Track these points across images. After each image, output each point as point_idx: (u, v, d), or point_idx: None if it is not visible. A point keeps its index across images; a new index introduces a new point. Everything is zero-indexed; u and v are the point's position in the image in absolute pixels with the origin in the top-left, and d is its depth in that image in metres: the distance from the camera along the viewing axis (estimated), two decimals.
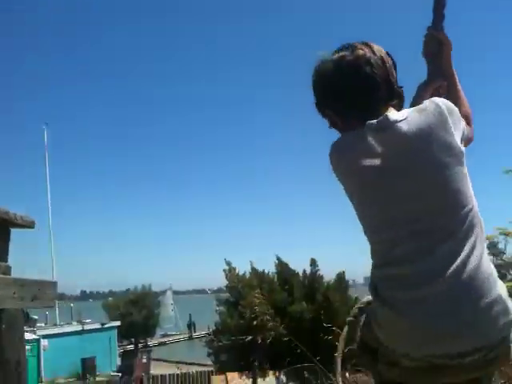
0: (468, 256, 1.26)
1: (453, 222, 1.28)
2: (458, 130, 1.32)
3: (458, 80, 1.59)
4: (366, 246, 1.37)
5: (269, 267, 10.63)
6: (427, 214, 1.28)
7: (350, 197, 1.40)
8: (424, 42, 1.57)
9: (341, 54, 1.38)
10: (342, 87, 1.37)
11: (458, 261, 1.24)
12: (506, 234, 4.67)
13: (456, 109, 1.36)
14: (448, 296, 1.24)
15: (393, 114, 1.35)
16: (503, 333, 1.27)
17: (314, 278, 9.89)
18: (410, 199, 1.29)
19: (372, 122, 1.32)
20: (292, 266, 10.50)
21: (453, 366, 1.29)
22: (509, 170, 4.63)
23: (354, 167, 1.34)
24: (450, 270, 1.23)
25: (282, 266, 10.38)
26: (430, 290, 1.24)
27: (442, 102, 1.35)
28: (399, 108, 1.40)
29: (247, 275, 10.48)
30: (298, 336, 7.66)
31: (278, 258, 10.57)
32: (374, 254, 1.36)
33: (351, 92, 1.36)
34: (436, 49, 1.55)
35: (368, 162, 1.30)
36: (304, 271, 10.21)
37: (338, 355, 1.75)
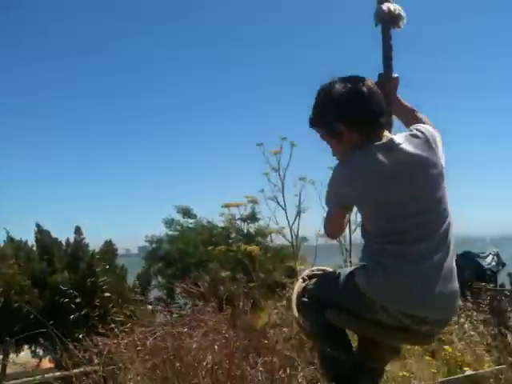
0: (449, 246, 1.73)
1: (440, 219, 1.74)
2: (440, 149, 1.79)
3: (404, 101, 2.13)
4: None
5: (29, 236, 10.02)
6: (425, 212, 1.72)
7: (364, 200, 1.78)
8: (377, 83, 1.90)
9: (366, 81, 1.78)
10: (370, 108, 1.75)
11: (445, 249, 1.72)
12: (253, 202, 5.44)
13: (436, 132, 1.83)
14: (436, 272, 1.68)
15: (396, 137, 1.77)
16: (455, 314, 1.84)
17: (78, 247, 9.58)
18: (414, 201, 1.71)
19: (380, 143, 1.73)
20: (55, 234, 10.04)
21: (412, 330, 1.72)
22: (260, 143, 5.37)
23: (371, 179, 1.71)
24: (440, 254, 1.70)
25: (42, 234, 9.78)
26: (424, 264, 1.67)
27: (425, 129, 1.82)
28: (388, 131, 1.87)
29: (0, 244, 9.69)
30: (59, 307, 7.46)
31: (38, 226, 9.91)
32: (385, 238, 1.74)
33: (374, 114, 1.75)
34: (386, 88, 1.98)
35: (383, 174, 1.70)
36: (67, 240, 9.82)
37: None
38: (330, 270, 2.12)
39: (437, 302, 1.70)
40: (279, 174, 5.07)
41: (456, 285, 1.75)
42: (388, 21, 2.10)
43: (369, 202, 1.78)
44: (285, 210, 5.06)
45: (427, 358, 4.42)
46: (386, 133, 1.82)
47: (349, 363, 1.86)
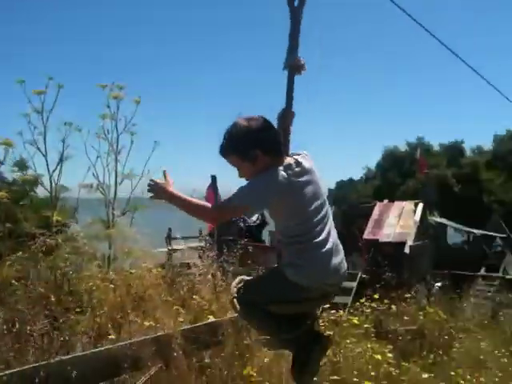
0: (333, 227, 2.39)
1: (328, 210, 2.38)
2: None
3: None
4: None
5: None
6: (322, 207, 2.34)
7: (281, 199, 2.27)
8: (281, 116, 2.64)
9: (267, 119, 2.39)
10: (279, 138, 2.39)
11: (333, 230, 2.37)
12: (7, 145, 4.72)
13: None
14: (333, 249, 2.31)
15: (299, 158, 2.34)
16: (345, 275, 2.46)
17: None
18: (316, 200, 2.31)
19: (287, 163, 2.28)
20: None
21: (327, 294, 2.45)
22: (21, 80, 4.73)
23: (287, 186, 2.23)
24: (332, 235, 2.34)
25: None
26: (326, 247, 2.28)
27: (307, 151, 2.46)
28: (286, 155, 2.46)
29: None
30: None
31: None
32: (296, 237, 2.30)
33: (280, 142, 2.37)
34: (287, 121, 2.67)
35: (295, 182, 2.25)
36: None
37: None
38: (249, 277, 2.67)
39: (338, 270, 2.37)
40: (42, 117, 4.59)
41: (342, 254, 2.42)
42: (293, 68, 2.70)
43: (283, 209, 2.32)
44: (45, 156, 4.63)
45: (176, 307, 4.69)
46: (287, 156, 2.41)
47: (293, 334, 2.46)
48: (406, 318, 7.10)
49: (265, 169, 2.26)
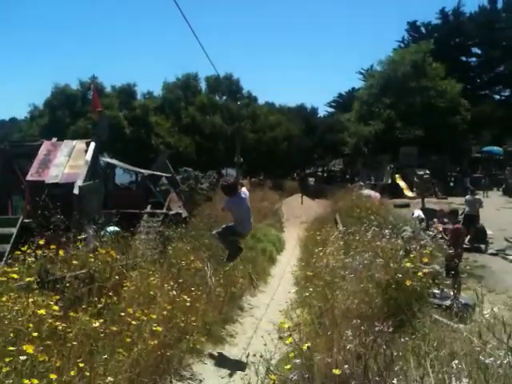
0: (250, 213, 7.91)
1: (249, 209, 7.84)
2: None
3: None
4: None
5: None
6: (248, 210, 7.77)
7: (231, 206, 7.61)
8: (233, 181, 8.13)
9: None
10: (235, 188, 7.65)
11: (250, 215, 7.89)
12: None
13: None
14: (249, 223, 7.83)
15: (241, 192, 7.72)
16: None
17: None
18: (247, 207, 7.68)
19: (237, 194, 7.64)
20: None
21: (244, 234, 8.15)
22: None
23: (235, 203, 7.52)
24: (250, 217, 7.85)
25: None
26: (248, 221, 7.78)
27: (246, 189, 8.11)
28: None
29: None
30: None
31: None
32: (238, 220, 7.58)
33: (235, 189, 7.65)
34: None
35: (238, 202, 7.52)
36: None
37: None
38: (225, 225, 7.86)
39: (249, 228, 8.06)
40: None
41: (251, 223, 8.11)
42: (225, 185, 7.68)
43: (234, 210, 7.59)
44: None
45: None
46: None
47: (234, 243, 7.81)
48: (75, 262, 6.56)
49: (230, 197, 7.51)
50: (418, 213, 16.06)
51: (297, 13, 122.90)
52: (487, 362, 2.76)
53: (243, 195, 7.59)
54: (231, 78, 40.69)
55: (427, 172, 29.37)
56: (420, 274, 6.58)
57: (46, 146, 14.67)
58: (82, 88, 34.56)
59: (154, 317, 5.56)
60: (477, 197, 18.63)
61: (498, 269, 13.20)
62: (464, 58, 52.37)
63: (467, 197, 17.39)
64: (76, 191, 12.23)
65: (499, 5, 49.88)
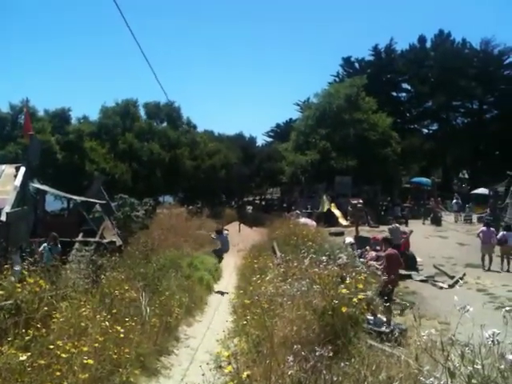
0: None
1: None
2: None
3: None
4: None
5: None
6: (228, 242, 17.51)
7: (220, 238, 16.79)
8: None
9: None
10: None
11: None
12: None
13: None
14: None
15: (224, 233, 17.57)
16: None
17: None
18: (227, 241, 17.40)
19: None
20: None
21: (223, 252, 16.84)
22: None
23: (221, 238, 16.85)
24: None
25: None
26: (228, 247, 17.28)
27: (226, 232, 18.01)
28: None
29: None
30: None
31: None
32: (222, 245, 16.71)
33: None
34: None
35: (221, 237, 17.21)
36: None
37: None
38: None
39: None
40: None
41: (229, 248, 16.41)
42: None
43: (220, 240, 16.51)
44: None
45: None
46: None
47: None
48: (1, 292, 6.17)
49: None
50: (350, 240, 16.62)
51: (235, 45, 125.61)
52: (428, 382, 2.84)
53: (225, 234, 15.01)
54: (172, 105, 40.49)
55: (360, 201, 30.37)
56: (355, 300, 6.72)
57: None
58: (12, 111, 33.11)
59: (85, 349, 5.31)
60: (398, 225, 19.55)
61: (428, 295, 13.73)
62: (395, 93, 55.49)
63: (392, 225, 18.37)
64: (3, 218, 11.60)
65: (428, 44, 53.61)
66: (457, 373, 2.76)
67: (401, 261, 11.40)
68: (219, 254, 16.91)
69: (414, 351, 4.11)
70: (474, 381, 2.68)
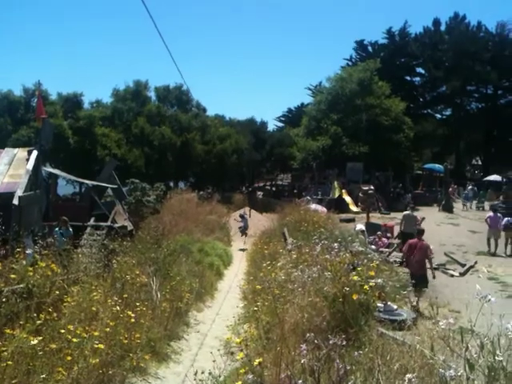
0: None
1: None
2: None
3: None
4: None
5: None
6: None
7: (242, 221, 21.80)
8: None
9: None
10: None
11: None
12: None
13: None
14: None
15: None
16: None
17: None
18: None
19: None
20: None
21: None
22: None
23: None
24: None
25: None
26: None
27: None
28: None
29: None
30: None
31: None
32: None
33: None
34: None
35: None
36: None
37: None
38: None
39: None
40: None
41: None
42: None
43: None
44: None
45: None
46: None
47: None
48: (13, 276, 6.19)
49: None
50: (360, 226, 16.46)
51: (248, 29, 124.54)
52: (447, 374, 2.74)
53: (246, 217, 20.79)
54: (181, 89, 40.27)
55: (371, 188, 30.15)
56: (366, 287, 6.66)
57: None
58: (25, 95, 33.16)
59: (96, 334, 5.32)
60: (415, 214, 18.89)
61: (439, 283, 13.62)
62: (408, 78, 54.58)
63: (406, 212, 17.76)
64: (16, 201, 11.66)
65: (442, 27, 52.60)
66: (475, 365, 2.67)
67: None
68: (243, 231, 22.66)
69: (427, 340, 4.05)
70: (494, 374, 2.61)
